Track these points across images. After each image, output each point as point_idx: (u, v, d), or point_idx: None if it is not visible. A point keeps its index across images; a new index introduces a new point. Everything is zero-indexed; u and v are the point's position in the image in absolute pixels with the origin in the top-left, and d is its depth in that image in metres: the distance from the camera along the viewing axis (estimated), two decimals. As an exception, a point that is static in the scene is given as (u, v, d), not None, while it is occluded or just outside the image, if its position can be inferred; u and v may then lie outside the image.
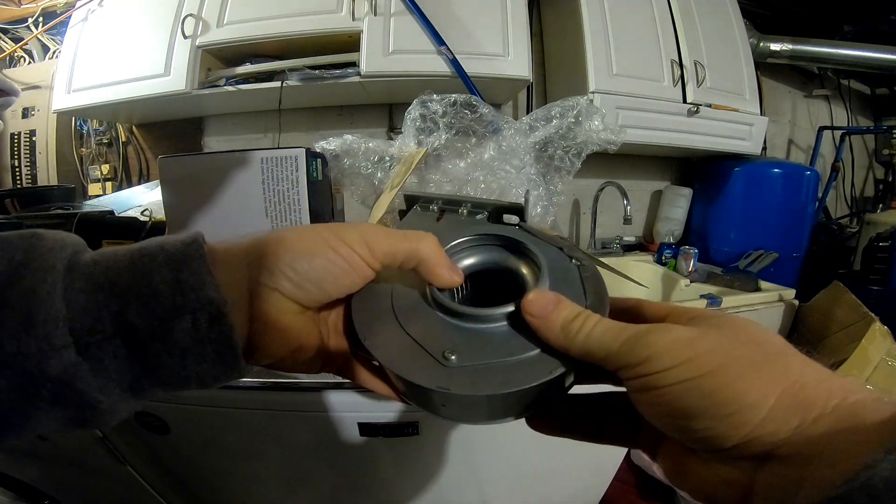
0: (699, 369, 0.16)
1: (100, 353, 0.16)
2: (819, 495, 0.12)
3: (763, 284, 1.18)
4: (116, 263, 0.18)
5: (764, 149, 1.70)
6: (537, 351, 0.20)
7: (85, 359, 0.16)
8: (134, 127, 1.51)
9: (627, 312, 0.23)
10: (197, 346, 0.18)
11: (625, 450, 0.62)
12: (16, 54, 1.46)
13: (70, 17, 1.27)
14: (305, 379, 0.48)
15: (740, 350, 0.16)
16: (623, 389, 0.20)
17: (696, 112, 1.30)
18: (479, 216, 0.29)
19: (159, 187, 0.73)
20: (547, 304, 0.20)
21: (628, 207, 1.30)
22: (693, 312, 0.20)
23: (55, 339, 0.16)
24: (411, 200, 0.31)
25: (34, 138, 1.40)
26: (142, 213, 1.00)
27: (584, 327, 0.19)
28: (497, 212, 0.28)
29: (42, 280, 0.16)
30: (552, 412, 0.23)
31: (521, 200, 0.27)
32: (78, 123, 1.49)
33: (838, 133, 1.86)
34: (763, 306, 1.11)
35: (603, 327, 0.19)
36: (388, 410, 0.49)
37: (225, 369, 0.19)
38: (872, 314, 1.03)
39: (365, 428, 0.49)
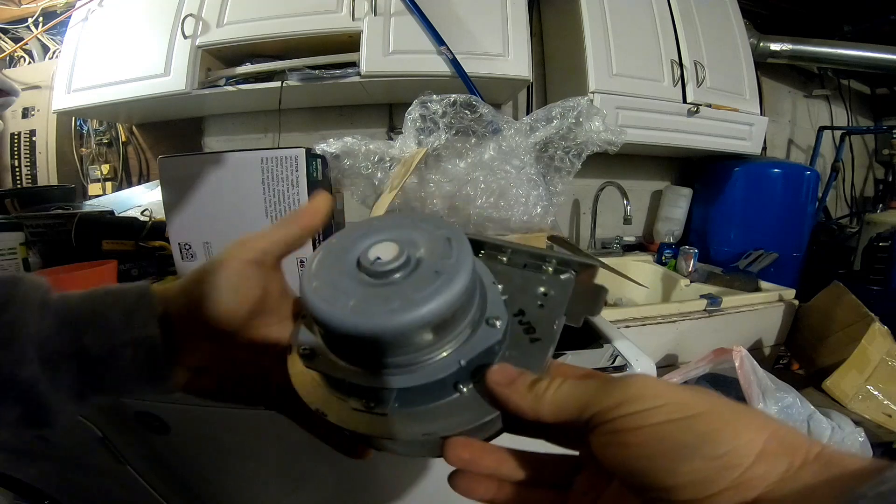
0: (689, 409, 0.16)
1: (57, 368, 0.22)
2: None
3: (763, 284, 1.19)
4: (80, 304, 0.23)
5: (764, 149, 1.70)
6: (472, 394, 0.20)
7: (45, 370, 0.22)
8: (134, 127, 1.51)
9: None
10: (134, 369, 0.23)
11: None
12: (16, 54, 1.46)
13: (70, 17, 1.28)
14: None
15: (718, 399, 0.17)
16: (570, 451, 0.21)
17: (696, 112, 1.31)
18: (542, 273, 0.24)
19: (159, 187, 0.73)
20: (510, 373, 0.20)
21: (628, 207, 1.30)
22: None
23: (28, 354, 0.21)
24: (477, 245, 0.26)
25: (34, 138, 1.40)
26: (142, 213, 1.00)
27: (551, 386, 0.19)
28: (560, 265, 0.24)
29: (21, 313, 0.22)
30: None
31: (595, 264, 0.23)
32: (78, 123, 1.49)
33: (838, 133, 1.86)
34: (763, 306, 1.11)
35: (570, 383, 0.19)
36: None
37: (153, 387, 0.24)
38: (872, 314, 1.03)
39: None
